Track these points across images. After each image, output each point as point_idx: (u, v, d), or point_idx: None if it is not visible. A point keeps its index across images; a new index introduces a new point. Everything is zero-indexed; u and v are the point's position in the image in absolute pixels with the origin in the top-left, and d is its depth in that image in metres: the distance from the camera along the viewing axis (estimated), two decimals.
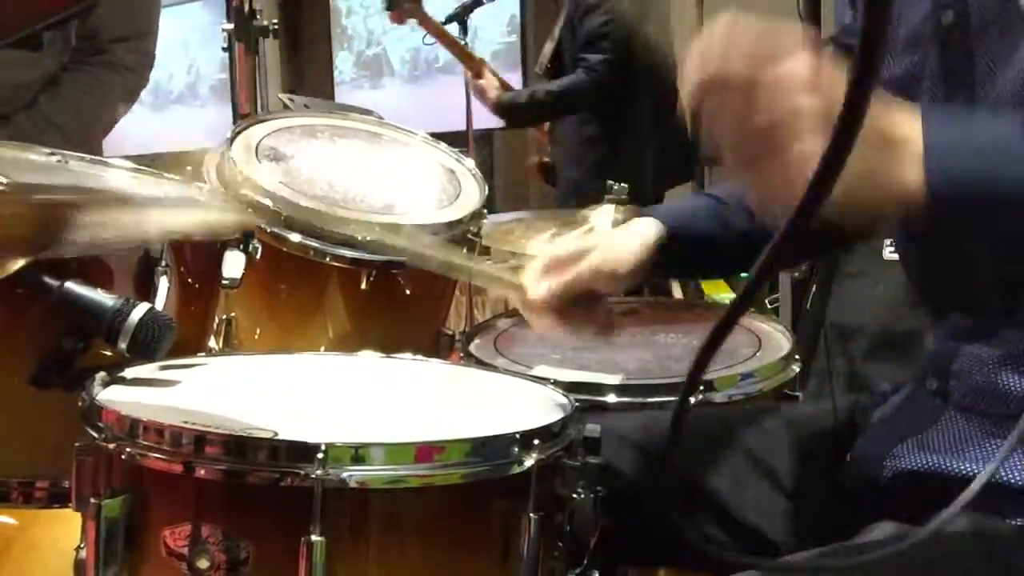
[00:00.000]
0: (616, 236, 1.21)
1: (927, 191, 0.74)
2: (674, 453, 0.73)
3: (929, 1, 0.97)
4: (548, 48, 3.64)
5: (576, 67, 3.40)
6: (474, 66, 3.54)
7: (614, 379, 1.35)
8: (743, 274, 1.12)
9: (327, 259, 1.52)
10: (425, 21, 3.54)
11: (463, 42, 3.66)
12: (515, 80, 6.50)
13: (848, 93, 0.54)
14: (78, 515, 0.92)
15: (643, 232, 1.18)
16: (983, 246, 0.84)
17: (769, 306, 3.02)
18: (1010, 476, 0.90)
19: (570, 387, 1.17)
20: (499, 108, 3.50)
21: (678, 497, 1.05)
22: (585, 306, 1.16)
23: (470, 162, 1.77)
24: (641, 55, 3.38)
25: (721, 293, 3.53)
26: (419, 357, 1.27)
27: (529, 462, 0.89)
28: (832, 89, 0.70)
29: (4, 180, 0.96)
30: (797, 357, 1.45)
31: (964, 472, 0.92)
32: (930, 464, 0.95)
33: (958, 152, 0.76)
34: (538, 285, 1.15)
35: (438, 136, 1.85)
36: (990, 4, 0.91)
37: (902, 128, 0.75)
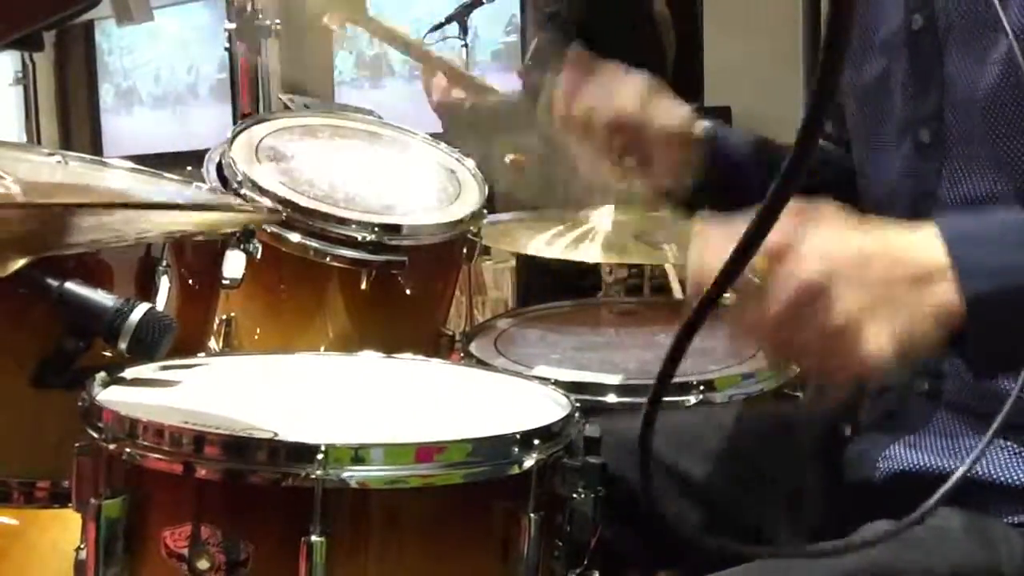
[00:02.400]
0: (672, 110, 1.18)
1: (964, 304, 0.75)
2: (648, 451, 0.73)
3: (900, 6, 0.99)
4: (533, 46, 3.59)
5: None
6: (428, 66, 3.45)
7: (614, 379, 1.35)
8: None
9: (327, 259, 1.52)
10: (370, 27, 3.35)
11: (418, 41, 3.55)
12: (515, 80, 6.50)
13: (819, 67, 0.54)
14: (79, 515, 0.92)
15: (696, 124, 1.16)
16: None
17: None
18: (1000, 474, 0.90)
19: (570, 387, 1.17)
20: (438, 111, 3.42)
21: (662, 494, 1.05)
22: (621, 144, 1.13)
23: (470, 162, 1.77)
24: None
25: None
26: (419, 357, 1.26)
27: (529, 462, 0.89)
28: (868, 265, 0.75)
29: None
30: None
31: (955, 469, 0.92)
32: (923, 464, 0.95)
33: (984, 253, 0.77)
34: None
35: (438, 136, 1.85)
36: (958, 9, 0.93)
37: (928, 258, 0.77)
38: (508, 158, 4.01)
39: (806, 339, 0.74)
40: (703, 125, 1.17)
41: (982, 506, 0.89)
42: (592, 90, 1.14)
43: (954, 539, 0.87)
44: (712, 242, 0.78)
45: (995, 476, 0.90)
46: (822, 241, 0.75)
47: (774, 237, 0.69)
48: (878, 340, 0.73)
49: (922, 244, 0.77)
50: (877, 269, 0.75)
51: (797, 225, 0.74)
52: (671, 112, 1.16)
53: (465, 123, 3.32)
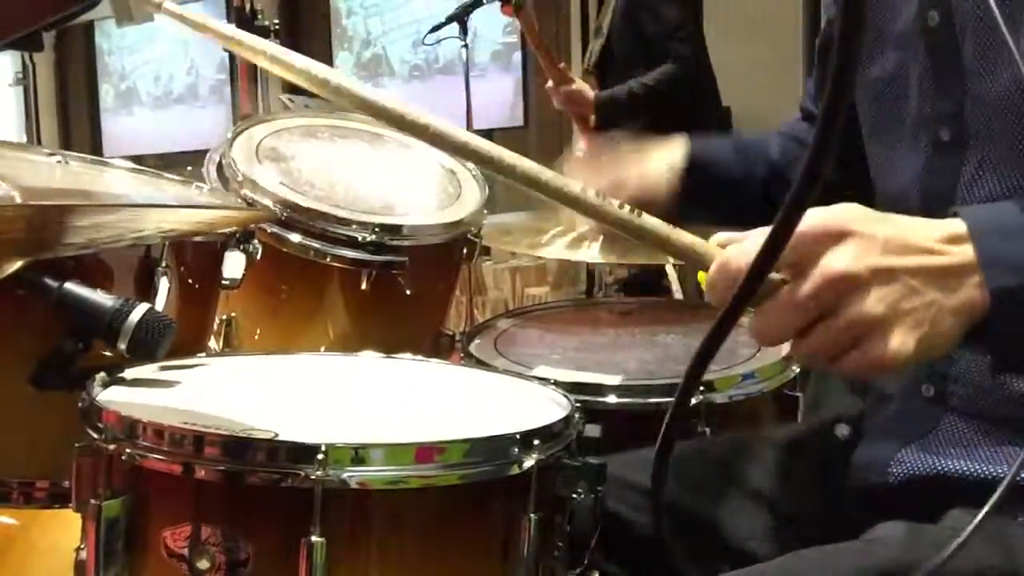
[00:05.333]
0: (646, 161, 1.26)
1: (989, 299, 0.75)
2: (665, 470, 0.73)
3: (915, 2, 0.98)
4: (596, 45, 3.58)
5: (644, 62, 3.35)
6: (559, 74, 3.41)
7: (614, 379, 1.35)
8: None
9: (327, 259, 1.52)
10: (529, 26, 3.39)
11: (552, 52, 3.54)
12: (515, 81, 6.51)
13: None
14: (78, 515, 0.91)
15: (669, 156, 1.23)
16: None
17: None
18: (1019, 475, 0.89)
19: (570, 387, 1.17)
20: (597, 108, 3.30)
21: (669, 519, 1.05)
22: None
23: (470, 162, 1.77)
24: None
25: None
26: (419, 357, 1.26)
27: (529, 462, 0.89)
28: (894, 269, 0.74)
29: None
30: None
31: (973, 473, 0.92)
32: (937, 467, 0.94)
33: (1009, 246, 0.77)
34: None
35: None
36: (972, 6, 0.92)
37: (956, 253, 0.76)
38: (577, 151, 3.98)
39: (827, 329, 0.74)
40: (675, 160, 1.25)
41: (1001, 508, 0.88)
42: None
43: (974, 541, 0.86)
44: (733, 253, 0.78)
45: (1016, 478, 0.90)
46: (855, 231, 0.74)
47: (804, 230, 0.69)
48: (901, 341, 0.73)
49: (949, 238, 0.76)
50: (909, 263, 0.74)
51: (825, 221, 0.74)
52: (656, 167, 1.23)
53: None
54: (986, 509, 0.72)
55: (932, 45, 0.97)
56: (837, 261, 0.73)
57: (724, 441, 1.20)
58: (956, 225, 0.77)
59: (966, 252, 0.76)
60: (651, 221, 0.82)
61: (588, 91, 3.30)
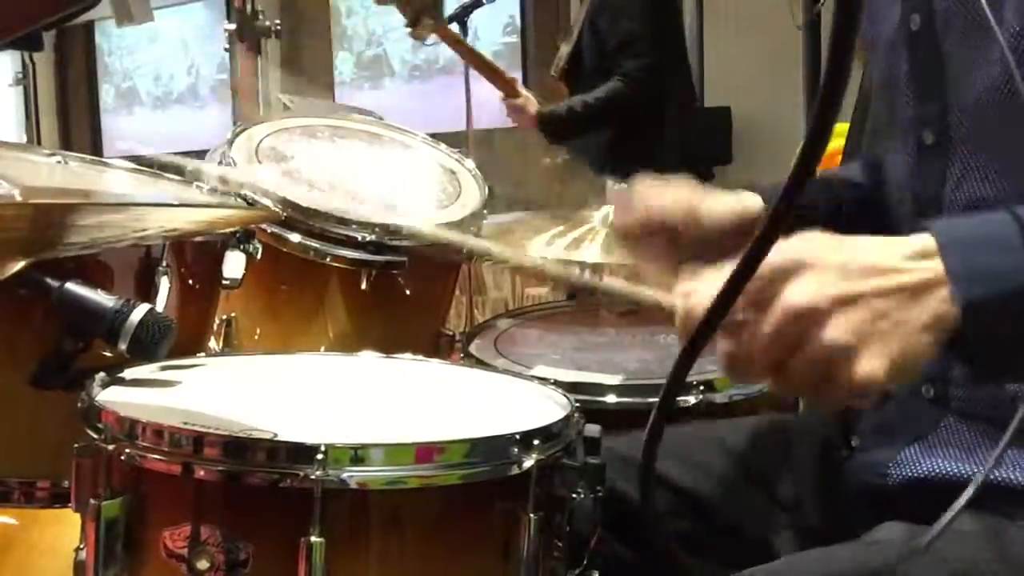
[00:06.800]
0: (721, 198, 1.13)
1: (959, 311, 0.74)
2: (652, 465, 0.73)
3: (899, 6, 0.98)
4: (564, 50, 3.51)
5: (607, 72, 3.20)
6: (507, 86, 3.30)
7: (614, 379, 1.35)
8: None
9: (327, 259, 1.52)
10: (448, 38, 3.19)
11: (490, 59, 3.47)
12: (515, 80, 6.51)
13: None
14: (78, 515, 0.92)
15: (747, 200, 1.11)
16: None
17: None
18: (1015, 477, 0.90)
19: (570, 387, 1.17)
20: (540, 123, 3.28)
21: (664, 514, 1.05)
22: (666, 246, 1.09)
23: (470, 162, 1.77)
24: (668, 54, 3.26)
25: None
26: (419, 357, 1.26)
27: (529, 462, 0.89)
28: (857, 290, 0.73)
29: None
30: None
31: (972, 475, 0.91)
32: (937, 469, 0.94)
33: (980, 257, 0.75)
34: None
35: (438, 136, 1.85)
36: (953, 8, 0.92)
37: (922, 268, 0.75)
38: (544, 162, 3.97)
39: (797, 364, 0.73)
40: (755, 198, 1.11)
41: (999, 510, 0.88)
42: (640, 202, 1.10)
43: (972, 545, 0.86)
44: (699, 287, 0.77)
45: (1012, 480, 0.90)
46: (811, 262, 0.74)
47: (763, 263, 0.68)
48: (871, 365, 0.72)
49: (916, 254, 0.76)
50: (869, 286, 0.73)
51: (782, 255, 0.73)
52: (718, 201, 1.10)
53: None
54: (960, 504, 0.72)
55: (915, 48, 0.97)
56: (796, 295, 0.72)
57: (734, 426, 1.19)
58: (925, 240, 0.76)
59: (934, 267, 0.75)
60: (614, 282, 0.83)
61: (533, 105, 3.27)
